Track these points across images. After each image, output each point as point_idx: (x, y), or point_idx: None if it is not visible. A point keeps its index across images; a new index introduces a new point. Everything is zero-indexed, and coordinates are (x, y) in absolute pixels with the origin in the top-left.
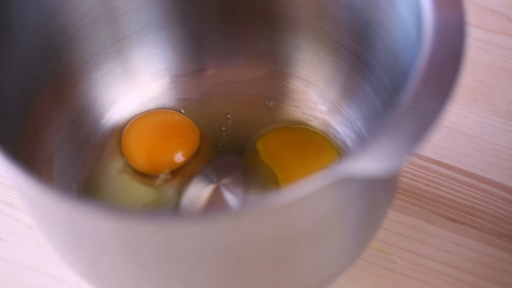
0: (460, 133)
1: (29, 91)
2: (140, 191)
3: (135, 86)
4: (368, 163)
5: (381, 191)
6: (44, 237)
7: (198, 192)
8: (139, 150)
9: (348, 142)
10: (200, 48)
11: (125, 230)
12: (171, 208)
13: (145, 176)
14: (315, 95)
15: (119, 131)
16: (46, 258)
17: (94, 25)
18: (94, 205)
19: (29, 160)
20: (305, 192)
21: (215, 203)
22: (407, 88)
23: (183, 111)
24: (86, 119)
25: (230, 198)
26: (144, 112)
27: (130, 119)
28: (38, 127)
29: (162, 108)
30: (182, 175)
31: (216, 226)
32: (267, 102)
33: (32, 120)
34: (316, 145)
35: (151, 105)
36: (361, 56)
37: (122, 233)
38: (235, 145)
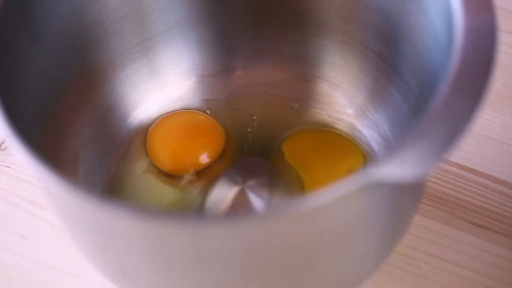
0: (485, 138)
1: (55, 89)
2: (165, 192)
3: (161, 86)
4: (397, 169)
5: (408, 197)
6: (68, 236)
7: (223, 193)
8: (164, 151)
9: (374, 145)
10: (226, 48)
11: (152, 231)
12: (196, 209)
13: (170, 176)
14: (342, 98)
15: (144, 131)
16: (70, 257)
17: (121, 24)
18: (121, 206)
19: (55, 158)
20: (332, 197)
21: (239, 205)
22: (437, 93)
23: (208, 111)
24: (112, 119)
25: (255, 200)
26: (170, 112)
27: (155, 119)
28: (64, 126)
29: (187, 108)
30: (207, 176)
31: (242, 230)
32: (293, 104)
33: (58, 119)
34: (342, 148)
35: (177, 105)
36: (389, 59)
37: (148, 234)
38: (260, 147)
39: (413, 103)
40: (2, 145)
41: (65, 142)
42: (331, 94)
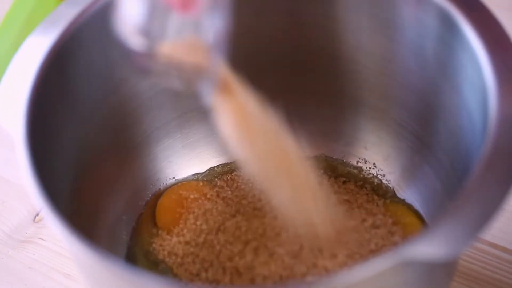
0: None
1: (90, 163)
2: None
3: (195, 161)
4: (430, 248)
5: (440, 275)
6: None
7: None
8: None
9: None
10: None
11: None
12: None
13: None
14: (374, 175)
15: None
16: None
17: (158, 100)
18: (159, 281)
19: (89, 232)
20: (364, 275)
21: None
22: (470, 172)
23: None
24: (145, 192)
25: None
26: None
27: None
28: (98, 199)
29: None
30: None
31: None
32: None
33: (92, 192)
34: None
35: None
36: (422, 138)
37: None
38: None
39: (446, 181)
40: (37, 217)
41: (99, 215)
42: (364, 171)
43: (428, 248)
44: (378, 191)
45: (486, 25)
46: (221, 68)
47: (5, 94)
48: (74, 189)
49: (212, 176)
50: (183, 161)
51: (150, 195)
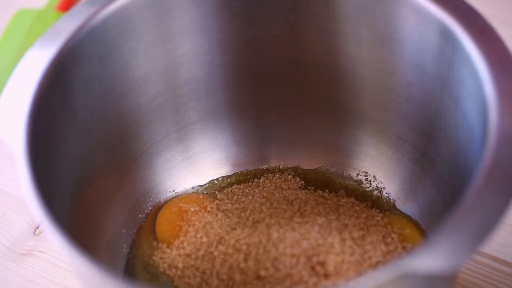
0: None
1: (90, 175)
2: None
3: (195, 173)
4: (430, 261)
5: (440, 287)
6: None
7: None
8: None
9: None
10: (260, 138)
11: None
12: None
13: None
14: (374, 187)
15: None
16: None
17: (157, 112)
18: None
19: (90, 245)
20: (365, 287)
21: None
22: (470, 184)
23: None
24: (145, 205)
25: None
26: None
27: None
28: (98, 212)
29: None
30: None
31: None
32: (322, 193)
33: (92, 205)
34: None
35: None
36: (422, 150)
37: None
38: None
39: (446, 194)
40: (37, 230)
41: (99, 228)
42: (364, 184)
43: (428, 260)
44: (378, 204)
45: (486, 38)
46: None
47: (6, 107)
48: (74, 201)
49: (212, 188)
50: (183, 174)
51: (150, 208)
